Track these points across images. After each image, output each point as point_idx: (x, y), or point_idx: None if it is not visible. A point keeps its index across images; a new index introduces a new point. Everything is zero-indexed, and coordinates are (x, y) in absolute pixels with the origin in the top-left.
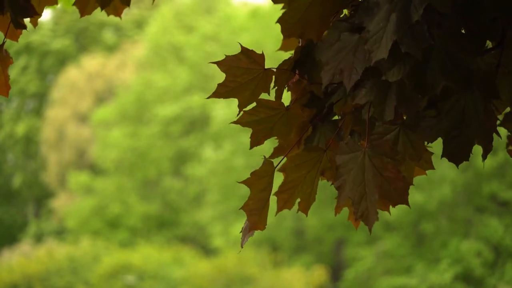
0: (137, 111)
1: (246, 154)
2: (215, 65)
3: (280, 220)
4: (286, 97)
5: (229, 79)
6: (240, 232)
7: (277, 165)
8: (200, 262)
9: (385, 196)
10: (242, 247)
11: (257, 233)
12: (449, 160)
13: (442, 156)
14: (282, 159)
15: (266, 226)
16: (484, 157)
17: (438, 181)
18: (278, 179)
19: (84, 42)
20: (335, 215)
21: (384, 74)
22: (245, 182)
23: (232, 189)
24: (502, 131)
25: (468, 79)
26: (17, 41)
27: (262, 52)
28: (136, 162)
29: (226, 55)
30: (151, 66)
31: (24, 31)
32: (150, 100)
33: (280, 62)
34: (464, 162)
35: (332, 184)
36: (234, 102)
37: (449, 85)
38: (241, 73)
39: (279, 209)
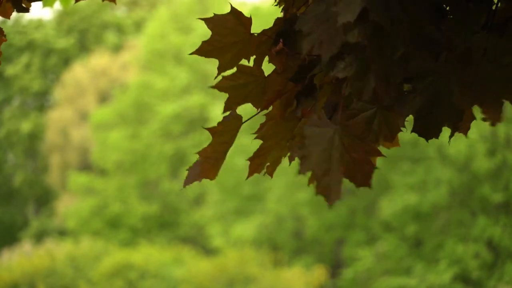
0: (136, 112)
1: (246, 154)
2: (214, 64)
3: (280, 220)
4: (269, 68)
5: (214, 37)
6: (187, 170)
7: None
8: (201, 261)
9: (350, 176)
10: (184, 186)
11: (257, 233)
12: (419, 135)
13: (412, 131)
14: (258, 130)
15: (216, 177)
16: (451, 136)
17: (434, 182)
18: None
19: (87, 42)
20: (308, 185)
21: (345, 35)
22: (210, 129)
23: (232, 189)
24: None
25: (433, 52)
26: (9, 18)
27: (250, 16)
28: (136, 163)
29: (215, 14)
30: (149, 67)
31: (26, 30)
32: (149, 102)
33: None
34: (464, 162)
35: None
36: None
37: (419, 60)
38: (226, 33)
39: (250, 173)
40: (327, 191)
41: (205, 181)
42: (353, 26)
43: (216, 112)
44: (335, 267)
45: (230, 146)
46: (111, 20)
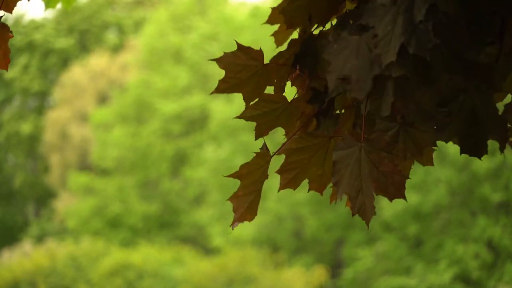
0: (136, 112)
1: (246, 154)
2: (215, 64)
3: (280, 220)
4: (291, 92)
5: (228, 75)
6: (231, 226)
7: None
8: (200, 261)
9: (382, 190)
10: (232, 229)
11: (257, 233)
12: (470, 155)
13: (461, 153)
14: (280, 148)
15: (255, 217)
16: (502, 150)
17: (434, 182)
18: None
19: (87, 42)
20: (330, 203)
21: (388, 70)
22: (234, 175)
23: (232, 189)
24: None
25: (471, 71)
26: (11, 13)
27: (260, 48)
28: (136, 162)
29: (224, 52)
30: (149, 67)
31: (26, 30)
32: (149, 101)
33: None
34: (462, 164)
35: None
36: (234, 101)
37: (453, 77)
38: (239, 69)
39: (282, 187)
40: (362, 210)
41: (205, 180)
42: (395, 63)
43: (216, 112)
44: (335, 267)
45: (262, 183)
46: (111, 20)
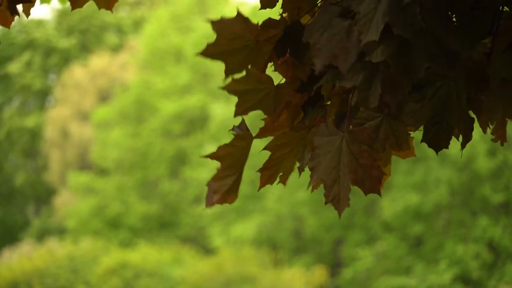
0: (137, 111)
1: None
2: (215, 64)
3: (280, 220)
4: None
5: (219, 41)
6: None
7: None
8: (200, 261)
9: (359, 183)
10: (206, 207)
11: (257, 233)
12: (429, 146)
13: (422, 141)
14: (266, 146)
15: (236, 199)
16: (463, 146)
17: (435, 182)
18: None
19: (87, 42)
20: (312, 191)
21: (369, 55)
22: (212, 155)
23: None
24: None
25: (452, 63)
26: (9, 27)
27: (258, 23)
28: (136, 162)
29: (222, 16)
30: (149, 67)
31: (27, 29)
32: (150, 101)
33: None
34: (463, 163)
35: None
36: (234, 101)
37: (433, 67)
38: (232, 37)
39: (262, 185)
40: (336, 199)
41: (205, 180)
42: (376, 45)
43: (216, 112)
44: (335, 267)
45: (243, 164)
46: (111, 20)
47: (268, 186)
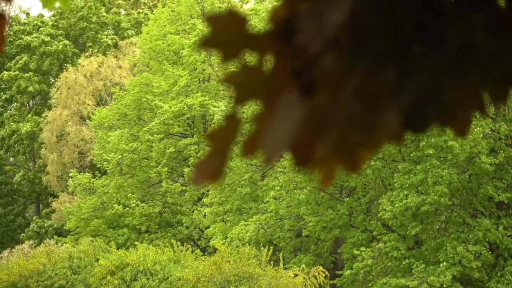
0: (136, 112)
1: None
2: (216, 65)
3: (280, 220)
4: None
5: (214, 33)
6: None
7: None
8: (199, 261)
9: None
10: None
11: (257, 233)
12: (405, 127)
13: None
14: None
15: (221, 179)
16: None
17: (434, 182)
18: None
19: (84, 43)
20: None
21: (335, 36)
22: (208, 135)
23: (231, 189)
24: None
25: (430, 44)
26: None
27: (249, 16)
28: (136, 163)
29: (216, 11)
30: (149, 68)
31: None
32: (149, 102)
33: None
34: (464, 162)
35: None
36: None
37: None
38: (226, 31)
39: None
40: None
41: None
42: (342, 28)
43: (217, 111)
44: (335, 267)
45: (230, 145)
46: (110, 21)
47: (268, 186)
